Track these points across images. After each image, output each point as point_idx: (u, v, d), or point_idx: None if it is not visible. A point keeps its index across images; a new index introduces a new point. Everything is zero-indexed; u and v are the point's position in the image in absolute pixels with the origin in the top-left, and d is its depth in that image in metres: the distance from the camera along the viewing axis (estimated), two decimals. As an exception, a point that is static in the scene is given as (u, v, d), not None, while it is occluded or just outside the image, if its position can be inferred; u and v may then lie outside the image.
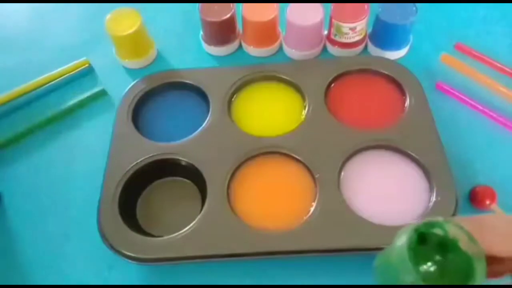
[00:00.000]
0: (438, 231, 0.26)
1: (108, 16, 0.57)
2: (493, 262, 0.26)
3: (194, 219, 0.43)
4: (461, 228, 0.25)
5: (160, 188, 0.48)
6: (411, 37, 0.57)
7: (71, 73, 0.59)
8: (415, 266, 0.24)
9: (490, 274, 0.27)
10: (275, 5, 0.56)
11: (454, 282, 0.24)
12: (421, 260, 0.25)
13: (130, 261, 0.41)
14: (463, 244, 0.25)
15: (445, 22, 0.62)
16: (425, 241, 0.26)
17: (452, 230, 0.25)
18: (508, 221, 0.26)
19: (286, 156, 0.47)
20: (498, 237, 0.25)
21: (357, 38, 0.57)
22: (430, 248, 0.26)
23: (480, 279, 0.23)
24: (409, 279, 0.24)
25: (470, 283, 0.23)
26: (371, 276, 0.29)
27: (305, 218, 0.43)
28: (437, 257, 0.26)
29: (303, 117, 0.50)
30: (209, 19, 0.56)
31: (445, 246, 0.26)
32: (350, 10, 0.55)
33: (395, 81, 0.51)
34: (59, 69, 0.59)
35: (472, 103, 0.52)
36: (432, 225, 0.26)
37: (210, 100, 0.51)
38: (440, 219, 0.26)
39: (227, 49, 0.60)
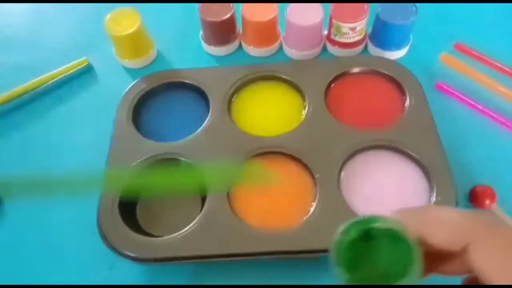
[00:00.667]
0: (378, 224, 0.25)
1: (108, 16, 0.57)
2: (444, 259, 0.25)
3: (194, 219, 0.43)
4: (399, 224, 0.24)
5: (160, 188, 0.48)
6: (411, 37, 0.58)
7: (70, 72, 0.60)
8: (340, 260, 0.24)
9: (442, 271, 0.27)
10: (275, 5, 0.56)
11: (391, 275, 0.24)
12: (358, 255, 0.26)
13: (130, 261, 0.41)
14: (402, 234, 0.24)
15: (445, 22, 0.62)
16: (369, 237, 0.26)
17: (391, 223, 0.25)
18: (453, 212, 0.25)
19: (286, 156, 0.47)
20: (443, 228, 0.24)
21: (357, 38, 0.57)
22: (371, 243, 0.26)
23: (418, 271, 0.23)
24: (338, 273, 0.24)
25: (408, 275, 0.23)
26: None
27: (305, 218, 0.43)
28: (375, 249, 0.26)
29: (303, 117, 0.50)
30: (209, 19, 0.56)
31: (384, 237, 0.25)
32: (350, 10, 0.55)
33: (395, 81, 0.51)
34: (59, 69, 0.59)
35: (472, 103, 0.52)
36: (369, 221, 0.25)
37: (210, 100, 0.51)
38: (376, 216, 0.25)
39: (227, 49, 0.60)
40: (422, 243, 0.24)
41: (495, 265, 0.22)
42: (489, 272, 0.22)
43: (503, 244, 0.22)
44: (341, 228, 0.26)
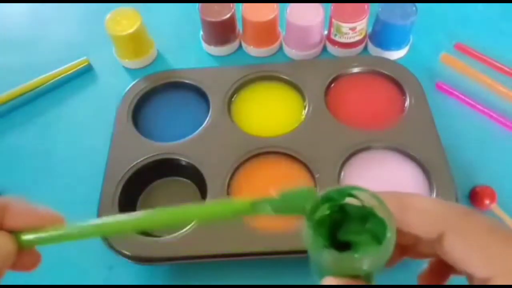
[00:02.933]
0: (353, 201, 0.24)
1: (108, 16, 0.57)
2: (419, 242, 0.26)
3: (194, 219, 0.43)
4: (373, 195, 0.24)
5: (160, 188, 0.48)
6: (411, 37, 0.58)
7: (70, 72, 0.60)
8: (315, 235, 0.24)
9: (415, 254, 0.27)
10: (275, 5, 0.56)
11: (369, 250, 0.23)
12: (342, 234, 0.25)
13: (130, 261, 0.41)
14: (378, 211, 0.24)
15: (445, 22, 0.62)
16: (346, 215, 0.25)
17: (366, 197, 0.24)
18: (428, 200, 0.25)
19: (286, 156, 0.47)
20: (419, 216, 0.24)
21: (357, 38, 0.57)
22: (352, 221, 0.25)
23: (392, 244, 0.22)
24: (318, 254, 0.23)
25: (383, 248, 0.22)
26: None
27: (305, 218, 0.43)
28: (357, 229, 0.25)
29: (303, 117, 0.50)
30: (209, 19, 0.56)
31: (364, 216, 0.25)
32: (350, 10, 0.55)
33: (395, 81, 0.51)
34: (59, 69, 0.59)
35: (472, 103, 0.52)
36: (342, 192, 0.24)
37: (210, 100, 0.51)
38: (350, 186, 0.24)
39: (227, 49, 0.60)
40: (398, 230, 0.23)
41: (473, 253, 0.22)
42: (467, 260, 0.22)
43: (478, 233, 0.23)
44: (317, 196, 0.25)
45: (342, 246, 0.24)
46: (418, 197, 0.25)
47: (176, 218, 0.29)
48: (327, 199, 0.25)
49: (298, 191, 0.26)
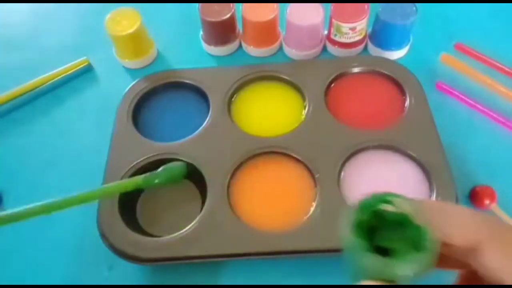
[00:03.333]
0: (389, 207, 0.24)
1: (108, 16, 0.57)
2: (451, 252, 0.25)
3: (194, 219, 0.43)
4: (408, 202, 0.24)
5: (160, 188, 0.48)
6: (411, 37, 0.58)
7: (70, 72, 0.60)
8: (359, 240, 0.23)
9: (446, 265, 0.27)
10: (275, 5, 0.56)
11: (411, 258, 0.23)
12: (378, 240, 0.25)
13: (130, 261, 0.41)
14: (415, 218, 0.24)
15: (445, 22, 0.62)
16: (383, 221, 0.25)
17: (402, 204, 0.24)
18: (465, 210, 0.25)
19: (286, 156, 0.47)
20: (455, 225, 0.24)
21: (357, 38, 0.57)
22: (387, 228, 0.25)
23: (434, 251, 0.22)
24: (361, 258, 0.23)
25: (425, 256, 0.22)
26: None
27: (305, 218, 0.43)
28: (393, 236, 0.25)
29: (303, 117, 0.50)
30: (209, 19, 0.56)
31: (400, 222, 0.24)
32: (350, 10, 0.55)
33: (395, 81, 0.51)
34: (59, 69, 0.59)
35: (472, 103, 0.52)
36: (378, 198, 0.24)
37: (210, 100, 0.51)
38: (387, 192, 0.25)
39: (227, 49, 0.60)
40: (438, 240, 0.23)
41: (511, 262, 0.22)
42: (505, 269, 0.22)
43: None
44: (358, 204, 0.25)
45: (378, 251, 0.24)
46: (453, 206, 0.25)
47: (87, 199, 0.38)
48: (363, 205, 0.25)
49: (174, 165, 0.42)
